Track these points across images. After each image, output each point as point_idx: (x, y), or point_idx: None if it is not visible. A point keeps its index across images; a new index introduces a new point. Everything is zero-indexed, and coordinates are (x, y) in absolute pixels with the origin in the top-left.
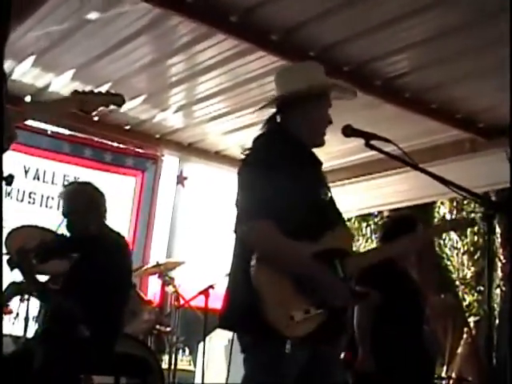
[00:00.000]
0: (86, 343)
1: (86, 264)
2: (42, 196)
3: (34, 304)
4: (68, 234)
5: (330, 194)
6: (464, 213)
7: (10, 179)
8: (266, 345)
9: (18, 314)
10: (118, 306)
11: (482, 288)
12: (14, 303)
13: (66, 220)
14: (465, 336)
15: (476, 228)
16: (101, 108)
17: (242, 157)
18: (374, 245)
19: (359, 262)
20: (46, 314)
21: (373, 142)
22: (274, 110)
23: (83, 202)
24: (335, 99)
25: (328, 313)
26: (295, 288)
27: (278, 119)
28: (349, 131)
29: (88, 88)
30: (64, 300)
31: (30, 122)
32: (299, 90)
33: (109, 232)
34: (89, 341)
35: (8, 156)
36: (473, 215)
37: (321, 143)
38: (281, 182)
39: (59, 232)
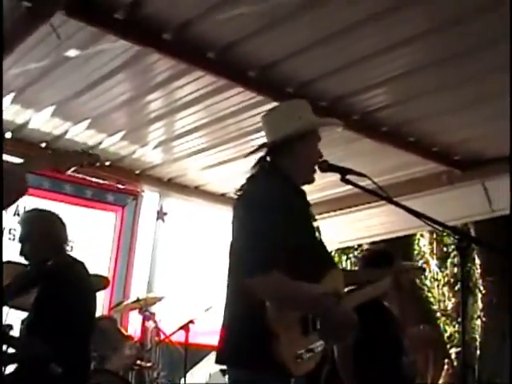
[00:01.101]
0: (60, 381)
1: (47, 297)
2: None
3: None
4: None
5: (319, 234)
6: (443, 244)
7: None
8: (270, 381)
9: None
10: (86, 336)
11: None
12: None
13: (20, 247)
14: (446, 367)
15: (456, 260)
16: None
17: (236, 197)
18: None
19: (351, 302)
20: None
21: (348, 177)
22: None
23: (39, 230)
24: (322, 131)
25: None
26: (302, 328)
27: (269, 160)
28: (325, 166)
29: (67, 124)
30: (30, 341)
31: (9, 159)
32: (289, 134)
33: (68, 261)
34: (62, 378)
35: None
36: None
37: (312, 180)
38: (284, 226)
39: None
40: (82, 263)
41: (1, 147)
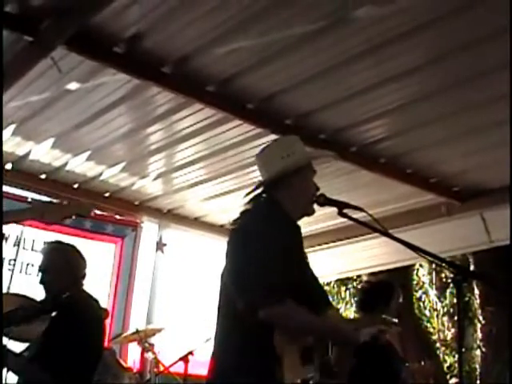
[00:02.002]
0: None
1: (58, 328)
2: (22, 263)
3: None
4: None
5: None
6: (443, 274)
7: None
8: None
9: None
10: (90, 370)
11: (463, 349)
12: None
13: (40, 276)
14: None
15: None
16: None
17: (231, 228)
18: (353, 309)
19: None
20: None
21: (346, 211)
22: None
23: (61, 262)
24: (317, 165)
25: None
26: (302, 358)
27: (266, 195)
28: (322, 200)
29: (67, 156)
30: (37, 368)
31: (9, 189)
32: (284, 169)
33: (83, 295)
34: None
35: None
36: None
37: (312, 212)
38: (281, 258)
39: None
40: (95, 299)
41: (1, 177)
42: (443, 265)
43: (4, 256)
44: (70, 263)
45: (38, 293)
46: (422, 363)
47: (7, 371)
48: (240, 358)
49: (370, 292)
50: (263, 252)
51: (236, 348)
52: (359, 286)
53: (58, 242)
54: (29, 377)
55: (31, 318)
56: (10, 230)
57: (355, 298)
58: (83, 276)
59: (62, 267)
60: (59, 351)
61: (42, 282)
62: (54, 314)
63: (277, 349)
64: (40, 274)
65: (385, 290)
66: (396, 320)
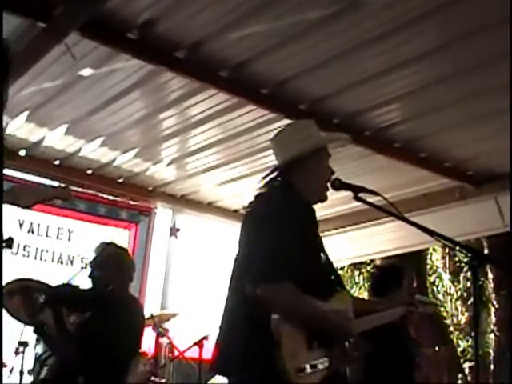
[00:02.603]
0: None
1: (101, 320)
2: (37, 249)
3: (29, 357)
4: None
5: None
6: (456, 259)
7: (10, 242)
8: None
9: (12, 368)
10: (120, 368)
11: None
12: (9, 356)
13: (90, 271)
14: (459, 382)
15: (469, 274)
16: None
17: (245, 212)
18: (366, 293)
19: (362, 326)
20: (42, 365)
21: (361, 195)
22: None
23: (111, 261)
24: (332, 148)
25: (331, 369)
26: (307, 342)
27: (281, 179)
28: (337, 185)
29: (81, 142)
30: (71, 349)
31: (23, 176)
32: (300, 153)
33: (128, 296)
34: None
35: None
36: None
37: (325, 198)
38: (295, 241)
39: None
40: (139, 302)
41: (1, 161)
42: (458, 248)
43: (18, 242)
44: (118, 263)
45: (53, 278)
46: (437, 348)
47: (46, 346)
48: (241, 345)
49: (380, 277)
50: (275, 234)
51: (238, 334)
52: (373, 270)
53: (111, 244)
54: (66, 355)
55: (79, 307)
56: (25, 216)
57: (368, 283)
58: (130, 279)
59: (110, 266)
60: (96, 340)
61: (90, 276)
62: (95, 305)
63: (274, 333)
64: (90, 268)
65: (395, 274)
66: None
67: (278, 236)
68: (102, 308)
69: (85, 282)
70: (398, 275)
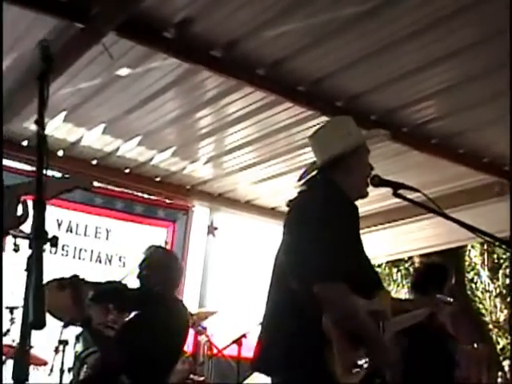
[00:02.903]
0: None
1: (146, 320)
2: (75, 248)
3: (69, 355)
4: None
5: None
6: (495, 255)
7: (54, 241)
8: None
9: (53, 366)
10: (164, 368)
11: None
12: (49, 355)
13: (138, 271)
14: (499, 380)
15: (508, 271)
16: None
17: (288, 208)
18: (404, 290)
19: (396, 327)
20: (82, 363)
21: (400, 191)
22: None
23: (160, 264)
24: (370, 144)
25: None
26: (354, 341)
27: (322, 176)
28: (376, 181)
29: (118, 141)
30: (116, 347)
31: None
32: (339, 153)
33: (174, 298)
34: None
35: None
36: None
37: (366, 194)
38: (346, 240)
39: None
40: (184, 306)
41: (1, 153)
42: (498, 244)
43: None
44: (166, 266)
45: (91, 277)
46: (475, 346)
47: (92, 341)
48: (289, 343)
49: (424, 274)
50: (326, 232)
51: (285, 332)
52: (411, 268)
53: (161, 247)
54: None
55: (126, 306)
56: (63, 215)
57: (406, 280)
58: (177, 282)
59: (158, 268)
60: (141, 339)
61: (138, 276)
62: (142, 305)
63: (326, 333)
64: (139, 269)
65: (439, 273)
66: (451, 299)
67: (330, 234)
68: (148, 308)
69: (133, 282)
70: (441, 274)
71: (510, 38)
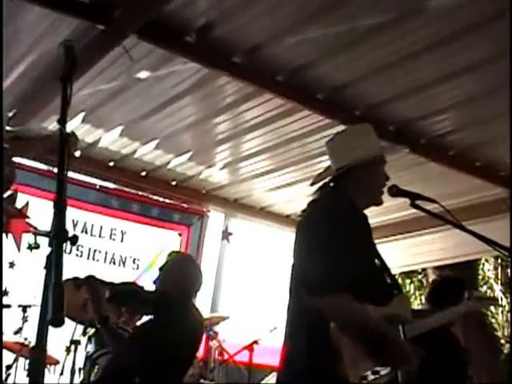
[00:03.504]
0: None
1: (162, 324)
2: (90, 249)
3: (80, 355)
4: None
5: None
6: (508, 270)
7: (74, 239)
8: None
9: (63, 366)
10: (178, 372)
11: None
12: (60, 354)
13: (158, 276)
14: None
15: None
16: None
17: (299, 219)
18: (417, 302)
19: (418, 329)
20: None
21: (418, 202)
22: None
23: (177, 268)
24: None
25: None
26: (367, 350)
27: (334, 185)
28: (394, 191)
29: (136, 144)
30: (132, 348)
31: (78, 176)
32: (356, 161)
33: (187, 302)
34: None
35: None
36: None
37: (381, 202)
38: (349, 249)
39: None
40: (199, 311)
41: (1, 147)
42: None
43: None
44: (182, 272)
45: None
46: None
47: (109, 341)
48: (303, 352)
49: (440, 287)
50: (327, 242)
51: (300, 340)
52: (424, 279)
53: (179, 253)
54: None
55: (141, 308)
56: (79, 216)
57: (419, 292)
58: (196, 288)
59: (174, 273)
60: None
61: (157, 279)
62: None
63: (333, 342)
64: (158, 273)
65: (455, 287)
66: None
67: (333, 245)
68: (162, 311)
69: (149, 285)
70: (458, 290)
71: None
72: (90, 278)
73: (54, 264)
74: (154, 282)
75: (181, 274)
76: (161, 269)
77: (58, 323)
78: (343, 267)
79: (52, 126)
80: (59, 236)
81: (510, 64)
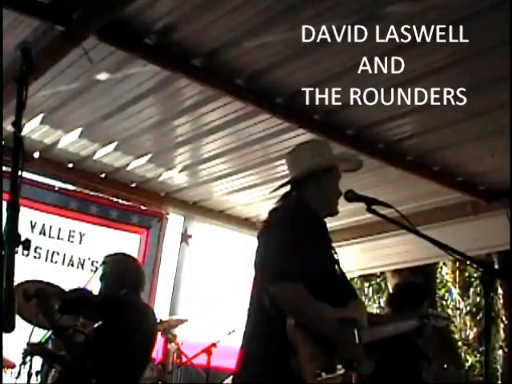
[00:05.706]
0: None
1: (112, 326)
2: (48, 251)
3: (37, 359)
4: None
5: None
6: (466, 273)
7: (27, 244)
8: None
9: (20, 369)
10: (133, 373)
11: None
12: (17, 358)
13: (100, 278)
14: None
15: (479, 289)
16: None
17: (261, 228)
18: (375, 305)
19: (372, 336)
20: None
21: (374, 207)
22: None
23: (116, 272)
24: (343, 171)
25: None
26: (324, 347)
27: (294, 194)
28: (351, 196)
29: (95, 146)
30: (86, 354)
31: (37, 178)
32: (313, 168)
33: (137, 302)
34: None
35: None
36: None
37: (336, 212)
38: (308, 249)
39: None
40: (151, 309)
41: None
42: (469, 263)
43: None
44: (126, 272)
45: (63, 281)
46: (445, 366)
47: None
48: (259, 351)
49: (402, 292)
50: (288, 241)
51: (257, 340)
52: (383, 283)
53: (117, 254)
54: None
55: (92, 313)
56: (37, 217)
57: (378, 295)
58: (139, 285)
59: (115, 275)
60: (106, 346)
61: (100, 280)
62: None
63: (289, 338)
64: (99, 280)
65: (417, 292)
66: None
67: (293, 244)
68: (112, 315)
69: (96, 287)
70: (420, 296)
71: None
72: (39, 291)
73: (5, 269)
74: (99, 292)
75: (122, 275)
76: (101, 279)
77: (9, 329)
78: (301, 263)
79: (9, 127)
80: (11, 241)
81: (470, 71)
